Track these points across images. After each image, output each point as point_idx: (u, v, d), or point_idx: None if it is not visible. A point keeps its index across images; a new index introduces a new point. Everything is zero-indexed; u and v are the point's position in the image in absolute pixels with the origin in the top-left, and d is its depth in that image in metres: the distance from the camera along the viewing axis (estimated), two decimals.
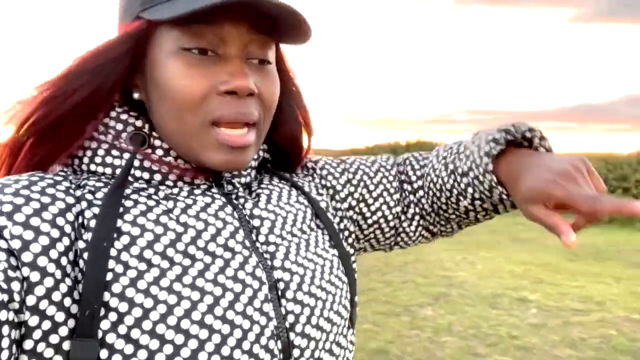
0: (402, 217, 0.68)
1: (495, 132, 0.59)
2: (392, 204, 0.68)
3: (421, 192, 0.68)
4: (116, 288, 0.43)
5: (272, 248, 0.53)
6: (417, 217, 0.69)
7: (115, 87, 0.50)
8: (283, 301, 0.50)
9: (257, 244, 0.52)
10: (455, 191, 0.63)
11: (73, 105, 0.47)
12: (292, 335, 0.49)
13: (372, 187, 0.67)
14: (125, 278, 0.43)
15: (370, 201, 0.67)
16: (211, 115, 0.48)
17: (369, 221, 0.67)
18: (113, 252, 0.44)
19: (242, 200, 0.55)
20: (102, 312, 0.42)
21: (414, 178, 0.69)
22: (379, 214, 0.67)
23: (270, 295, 0.50)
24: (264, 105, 0.51)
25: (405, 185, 0.69)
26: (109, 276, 0.43)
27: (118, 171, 0.49)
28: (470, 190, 0.62)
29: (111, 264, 0.43)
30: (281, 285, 0.51)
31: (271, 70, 0.53)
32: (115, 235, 0.45)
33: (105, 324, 0.42)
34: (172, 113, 0.49)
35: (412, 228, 0.69)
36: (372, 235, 0.68)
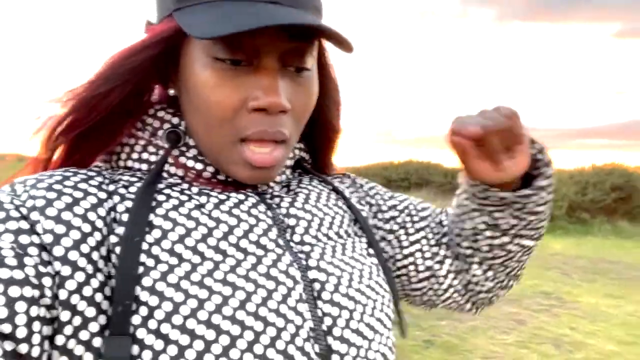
0: (436, 259, 0.65)
1: None
2: (432, 242, 0.66)
3: (449, 234, 0.67)
4: (147, 282, 0.42)
5: (307, 248, 0.51)
6: (447, 261, 0.66)
7: (150, 87, 0.51)
8: (319, 303, 0.48)
9: (292, 244, 0.51)
10: (459, 211, 0.63)
11: (111, 105, 0.47)
12: (330, 339, 0.47)
13: (416, 219, 0.66)
14: (156, 272, 0.43)
15: (411, 230, 0.65)
16: (239, 134, 0.47)
17: (405, 251, 0.65)
18: (144, 246, 0.43)
19: (277, 200, 0.54)
20: (134, 306, 0.41)
21: (445, 222, 0.68)
22: (417, 246, 0.65)
23: (306, 295, 0.48)
24: (296, 118, 0.50)
25: (439, 228, 0.68)
26: (140, 269, 0.42)
27: (153, 167, 0.50)
28: (468, 202, 0.61)
29: (142, 257, 0.43)
30: (317, 285, 0.49)
31: (309, 77, 0.50)
32: (147, 229, 0.44)
33: (136, 319, 0.41)
34: (201, 124, 0.48)
35: (443, 272, 0.65)
36: (404, 271, 0.65)
